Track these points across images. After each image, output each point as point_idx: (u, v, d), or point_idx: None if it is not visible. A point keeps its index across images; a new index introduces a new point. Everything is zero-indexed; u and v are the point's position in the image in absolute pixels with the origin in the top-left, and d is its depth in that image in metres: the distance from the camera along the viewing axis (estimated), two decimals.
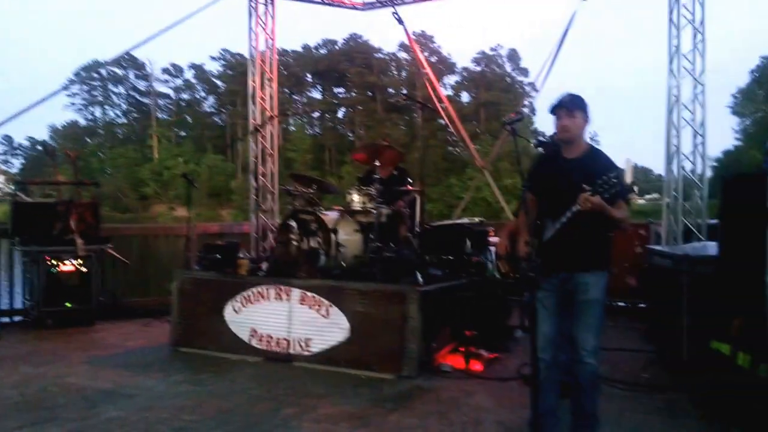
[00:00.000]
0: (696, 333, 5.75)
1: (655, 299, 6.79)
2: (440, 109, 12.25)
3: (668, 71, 8.38)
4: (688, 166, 8.28)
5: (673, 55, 8.34)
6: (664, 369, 6.25)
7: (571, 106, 4.05)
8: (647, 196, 50.26)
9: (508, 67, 73.61)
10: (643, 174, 64.47)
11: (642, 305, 8.52)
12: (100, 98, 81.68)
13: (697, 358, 5.70)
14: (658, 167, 66.53)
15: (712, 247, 6.36)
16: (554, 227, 3.95)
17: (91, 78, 77.19)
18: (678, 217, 8.19)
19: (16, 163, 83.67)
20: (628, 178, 3.86)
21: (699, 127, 8.23)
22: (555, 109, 4.08)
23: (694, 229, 8.13)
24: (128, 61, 75.93)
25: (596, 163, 3.97)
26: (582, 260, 4.01)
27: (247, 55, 11.65)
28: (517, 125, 4.02)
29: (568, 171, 3.99)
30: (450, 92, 69.01)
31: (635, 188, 4.05)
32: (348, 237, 7.00)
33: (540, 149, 4.39)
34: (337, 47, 77.46)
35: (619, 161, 3.97)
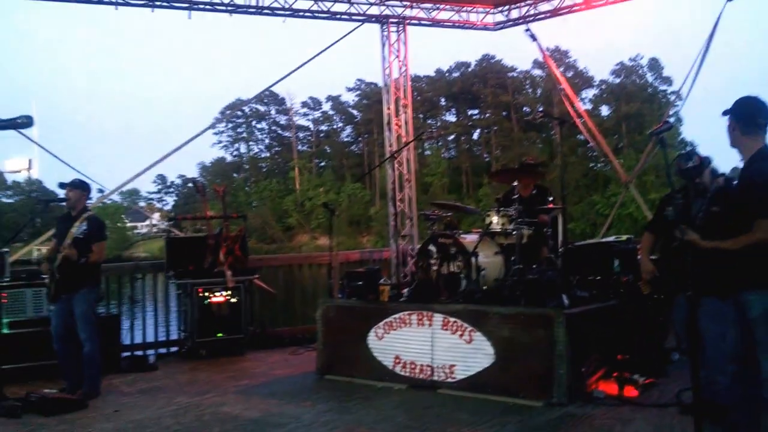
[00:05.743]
0: None
1: None
2: (579, 124, 11.90)
3: None
4: None
5: None
6: None
7: None
8: None
9: (649, 77, 70.81)
10: None
11: None
12: (245, 134, 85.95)
13: None
14: None
15: None
16: None
17: (236, 116, 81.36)
18: None
19: (170, 201, 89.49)
20: None
21: None
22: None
23: None
24: (269, 97, 79.29)
25: None
26: None
27: (381, 83, 11.80)
28: (665, 135, 3.75)
29: None
30: (588, 107, 67.13)
31: None
32: (488, 259, 6.85)
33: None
34: (469, 69, 77.39)
35: None
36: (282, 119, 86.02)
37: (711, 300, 4.10)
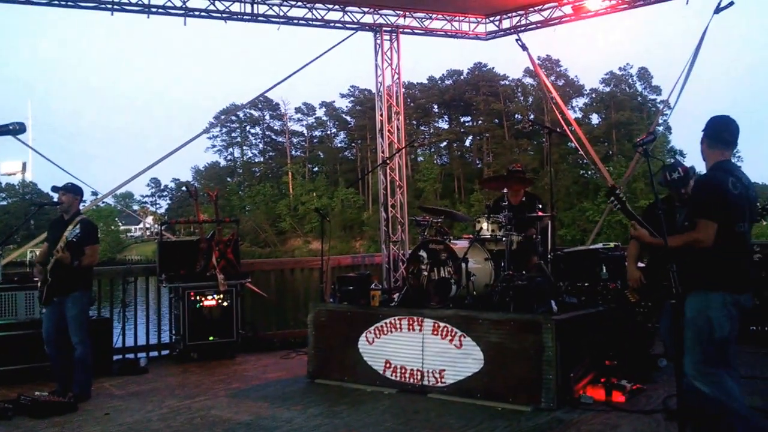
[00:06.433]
0: None
1: None
2: (569, 133, 12.00)
3: None
4: None
5: None
6: None
7: None
8: None
9: (639, 86, 71.27)
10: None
11: None
12: (239, 139, 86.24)
13: None
14: None
15: None
16: None
17: (230, 120, 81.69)
18: None
19: (163, 204, 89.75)
20: None
21: None
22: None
23: None
24: (263, 102, 79.57)
25: None
26: None
27: (374, 90, 11.89)
28: (650, 146, 3.86)
29: None
30: (579, 115, 67.52)
31: None
32: (478, 266, 6.91)
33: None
34: (462, 77, 77.80)
35: None
36: (276, 124, 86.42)
37: None
